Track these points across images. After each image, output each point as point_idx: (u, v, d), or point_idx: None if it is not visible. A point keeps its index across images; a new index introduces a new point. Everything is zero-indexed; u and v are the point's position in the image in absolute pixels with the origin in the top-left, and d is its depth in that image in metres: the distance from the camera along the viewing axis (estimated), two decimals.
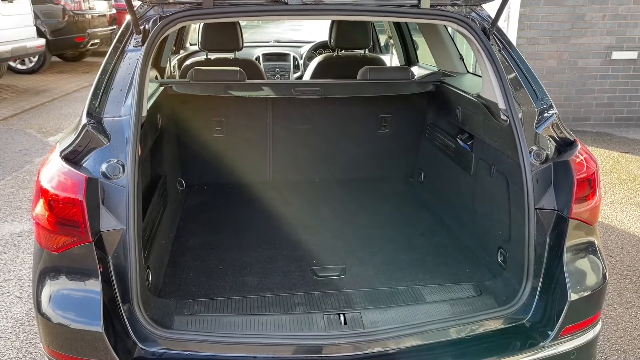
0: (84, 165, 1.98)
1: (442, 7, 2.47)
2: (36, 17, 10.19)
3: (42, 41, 9.97)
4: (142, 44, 2.25)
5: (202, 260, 2.86)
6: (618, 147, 6.74)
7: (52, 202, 1.90)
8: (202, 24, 4.07)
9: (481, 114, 2.78)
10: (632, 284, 3.72)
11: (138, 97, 2.10)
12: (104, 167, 1.96)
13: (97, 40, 12.30)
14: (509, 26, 7.23)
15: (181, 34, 5.26)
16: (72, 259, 1.93)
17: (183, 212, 3.49)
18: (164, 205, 3.09)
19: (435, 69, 3.84)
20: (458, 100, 3.19)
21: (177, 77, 4.36)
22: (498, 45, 2.50)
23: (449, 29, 3.51)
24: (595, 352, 2.34)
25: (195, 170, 3.87)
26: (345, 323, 2.15)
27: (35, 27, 9.81)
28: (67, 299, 1.95)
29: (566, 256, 2.15)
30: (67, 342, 1.93)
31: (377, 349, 2.03)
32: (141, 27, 2.29)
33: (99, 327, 1.85)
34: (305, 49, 6.14)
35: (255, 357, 1.99)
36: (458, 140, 3.15)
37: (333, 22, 4.15)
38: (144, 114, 2.27)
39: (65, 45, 11.67)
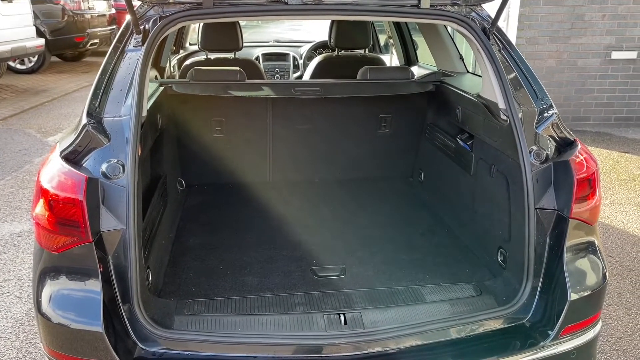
0: (84, 165, 1.98)
1: (442, 7, 2.47)
2: (35, 17, 10.19)
3: (42, 41, 9.97)
4: (142, 44, 2.25)
5: (202, 260, 2.86)
6: (617, 147, 6.74)
7: (52, 202, 1.90)
8: (202, 24, 4.07)
9: (481, 114, 2.78)
10: (632, 283, 3.73)
11: (138, 97, 2.10)
12: (104, 167, 1.96)
13: (96, 40, 12.30)
14: (509, 26, 7.23)
15: (181, 34, 5.26)
16: (72, 259, 1.93)
17: (183, 212, 3.49)
18: (164, 205, 3.09)
19: (435, 69, 3.84)
20: (458, 100, 3.19)
21: (177, 77, 4.36)
22: (498, 45, 2.50)
23: (449, 29, 3.51)
24: (595, 351, 2.34)
25: (195, 170, 3.87)
26: (345, 323, 2.15)
27: (34, 27, 9.80)
28: (67, 299, 1.95)
29: (566, 256, 2.15)
30: (67, 342, 1.93)
31: (377, 349, 2.04)
32: (141, 27, 2.29)
33: (99, 327, 1.85)
34: (305, 49, 6.14)
35: (255, 357, 1.99)
36: (458, 140, 3.16)
37: (333, 22, 4.15)
38: (144, 114, 2.27)
39: (64, 45, 11.66)
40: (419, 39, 4.53)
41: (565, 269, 2.13)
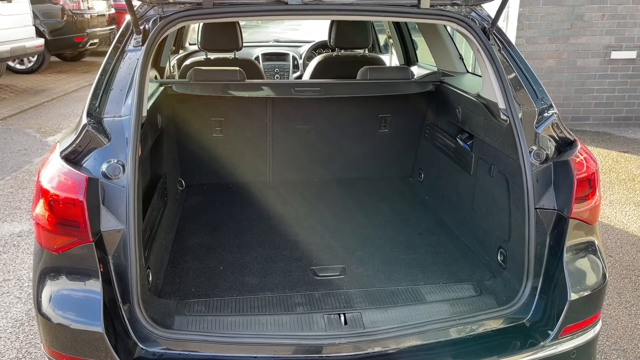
0: (84, 165, 1.98)
1: (442, 7, 2.47)
2: (35, 16, 10.18)
3: (41, 41, 9.97)
4: (142, 44, 2.25)
5: (202, 260, 2.86)
6: (617, 147, 6.75)
7: (52, 202, 1.90)
8: (201, 24, 4.07)
9: (481, 114, 2.78)
10: (632, 283, 3.73)
11: (138, 97, 2.10)
12: (104, 167, 1.96)
13: (96, 40, 12.30)
14: (508, 26, 7.24)
15: (180, 34, 5.26)
16: (73, 259, 1.93)
17: (183, 212, 3.49)
18: (163, 205, 3.09)
19: (435, 69, 3.84)
20: (458, 100, 3.19)
21: (177, 77, 4.36)
22: (498, 45, 2.50)
23: (449, 29, 3.52)
24: (595, 351, 2.34)
25: (195, 170, 3.87)
26: (345, 323, 2.15)
27: (34, 27, 9.80)
28: (68, 299, 1.95)
29: (566, 256, 2.15)
30: (68, 343, 1.93)
31: (378, 349, 2.04)
32: (141, 27, 2.29)
33: (99, 328, 1.85)
34: (304, 49, 6.14)
35: (255, 357, 1.99)
36: (458, 140, 3.16)
37: (333, 21, 4.15)
38: (144, 114, 2.27)
39: (64, 45, 11.66)
40: (419, 39, 4.53)
41: (565, 268, 2.13)
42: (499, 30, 2.55)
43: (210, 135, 3.76)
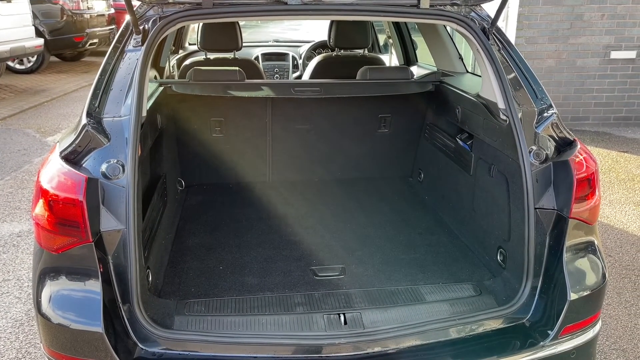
0: (84, 165, 1.98)
1: (442, 7, 2.47)
2: (34, 16, 10.18)
3: (41, 41, 9.96)
4: (142, 44, 2.25)
5: (202, 260, 2.86)
6: (617, 147, 6.75)
7: (52, 202, 1.90)
8: (201, 24, 4.07)
9: (481, 114, 2.78)
10: (631, 283, 3.73)
11: (138, 97, 2.10)
12: (104, 167, 1.96)
13: (95, 40, 12.29)
14: (508, 26, 7.24)
15: (180, 34, 5.26)
16: (72, 260, 1.93)
17: (183, 212, 3.49)
18: (163, 205, 3.09)
19: (435, 69, 3.84)
20: (457, 100, 3.19)
21: (176, 77, 4.36)
22: (497, 45, 2.50)
23: (448, 29, 3.52)
24: (595, 351, 2.34)
25: (195, 170, 3.87)
26: (345, 323, 2.15)
27: (33, 27, 9.80)
28: (67, 300, 1.95)
29: (566, 256, 2.15)
30: (67, 343, 1.93)
31: (377, 349, 2.04)
32: (141, 27, 2.29)
33: (99, 328, 1.85)
34: (304, 49, 6.14)
35: (255, 357, 1.99)
36: (458, 140, 3.16)
37: (332, 21, 4.15)
38: (144, 114, 2.27)
39: (63, 45, 11.66)
40: (419, 39, 4.53)
41: (564, 268, 2.13)
42: (499, 30, 2.55)
43: (210, 135, 3.76)
